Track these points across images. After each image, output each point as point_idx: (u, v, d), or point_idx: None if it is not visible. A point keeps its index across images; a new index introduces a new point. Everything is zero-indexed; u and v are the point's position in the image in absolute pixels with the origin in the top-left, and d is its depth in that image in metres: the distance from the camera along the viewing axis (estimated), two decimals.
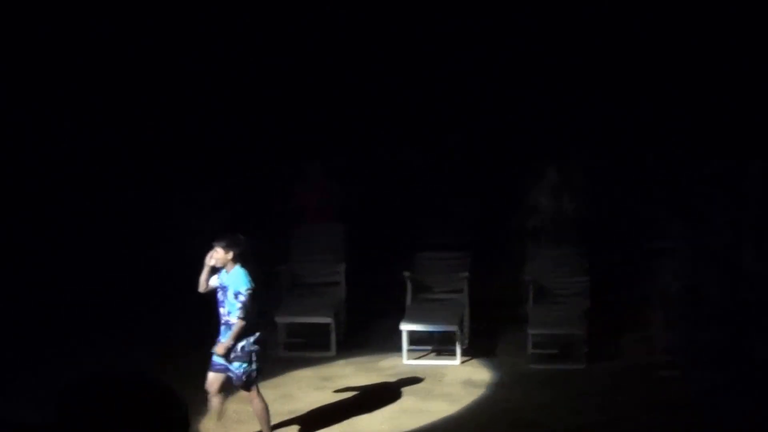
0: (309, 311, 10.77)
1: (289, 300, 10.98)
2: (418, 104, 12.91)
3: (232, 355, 8.10)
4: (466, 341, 10.61)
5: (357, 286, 11.29)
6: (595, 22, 12.26)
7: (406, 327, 10.34)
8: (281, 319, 10.66)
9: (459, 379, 9.99)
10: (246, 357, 8.09)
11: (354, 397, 9.55)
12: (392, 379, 9.98)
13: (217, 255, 8.09)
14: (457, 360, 10.35)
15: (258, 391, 8.27)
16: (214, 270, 8.19)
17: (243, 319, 8.01)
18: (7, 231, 11.85)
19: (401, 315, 10.50)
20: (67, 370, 9.74)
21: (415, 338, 10.49)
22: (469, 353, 10.51)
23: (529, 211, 11.46)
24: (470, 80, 12.72)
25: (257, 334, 8.14)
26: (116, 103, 12.70)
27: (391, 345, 10.51)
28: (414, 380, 9.93)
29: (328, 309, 10.75)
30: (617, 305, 11.11)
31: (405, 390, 9.72)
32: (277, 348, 10.52)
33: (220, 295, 8.15)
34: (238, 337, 8.07)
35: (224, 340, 8.12)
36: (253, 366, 8.12)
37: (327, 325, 10.64)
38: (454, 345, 10.36)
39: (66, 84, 12.43)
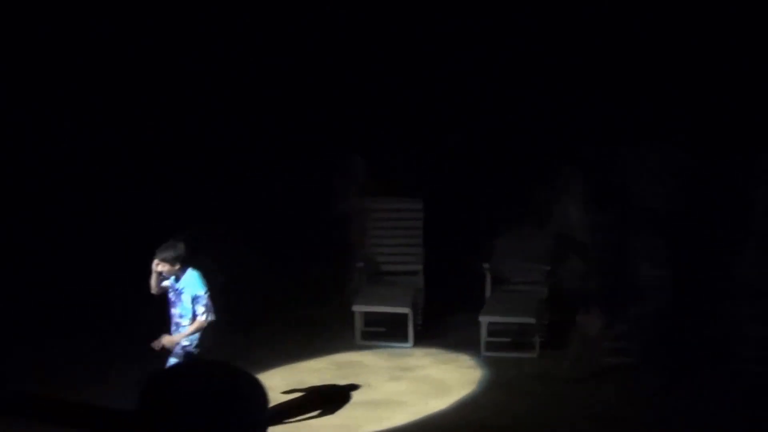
0: (386, 301, 10.67)
1: (366, 289, 10.89)
2: (418, 104, 12.89)
3: (174, 350, 8.07)
4: (545, 332, 10.49)
5: (435, 276, 11.13)
6: (595, 22, 12.25)
7: (485, 319, 10.26)
8: (358, 308, 10.59)
9: (537, 371, 9.92)
10: (184, 358, 8.04)
11: (430, 388, 9.55)
12: (470, 372, 9.94)
13: (163, 268, 8.01)
14: (536, 352, 10.25)
15: None
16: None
17: (206, 321, 7.99)
18: (7, 231, 11.84)
19: (479, 305, 10.41)
20: (66, 369, 9.77)
21: (494, 330, 10.39)
22: (548, 345, 10.37)
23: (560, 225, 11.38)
24: (470, 80, 12.70)
25: (198, 337, 8.08)
26: (116, 103, 12.68)
27: (470, 336, 10.41)
28: (492, 373, 9.89)
29: (406, 299, 10.61)
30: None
31: (482, 383, 9.69)
32: (355, 337, 10.49)
33: (172, 296, 8.11)
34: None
35: (176, 335, 8.08)
36: None
37: (404, 315, 10.52)
38: (533, 337, 10.25)
39: (66, 84, 12.42)
